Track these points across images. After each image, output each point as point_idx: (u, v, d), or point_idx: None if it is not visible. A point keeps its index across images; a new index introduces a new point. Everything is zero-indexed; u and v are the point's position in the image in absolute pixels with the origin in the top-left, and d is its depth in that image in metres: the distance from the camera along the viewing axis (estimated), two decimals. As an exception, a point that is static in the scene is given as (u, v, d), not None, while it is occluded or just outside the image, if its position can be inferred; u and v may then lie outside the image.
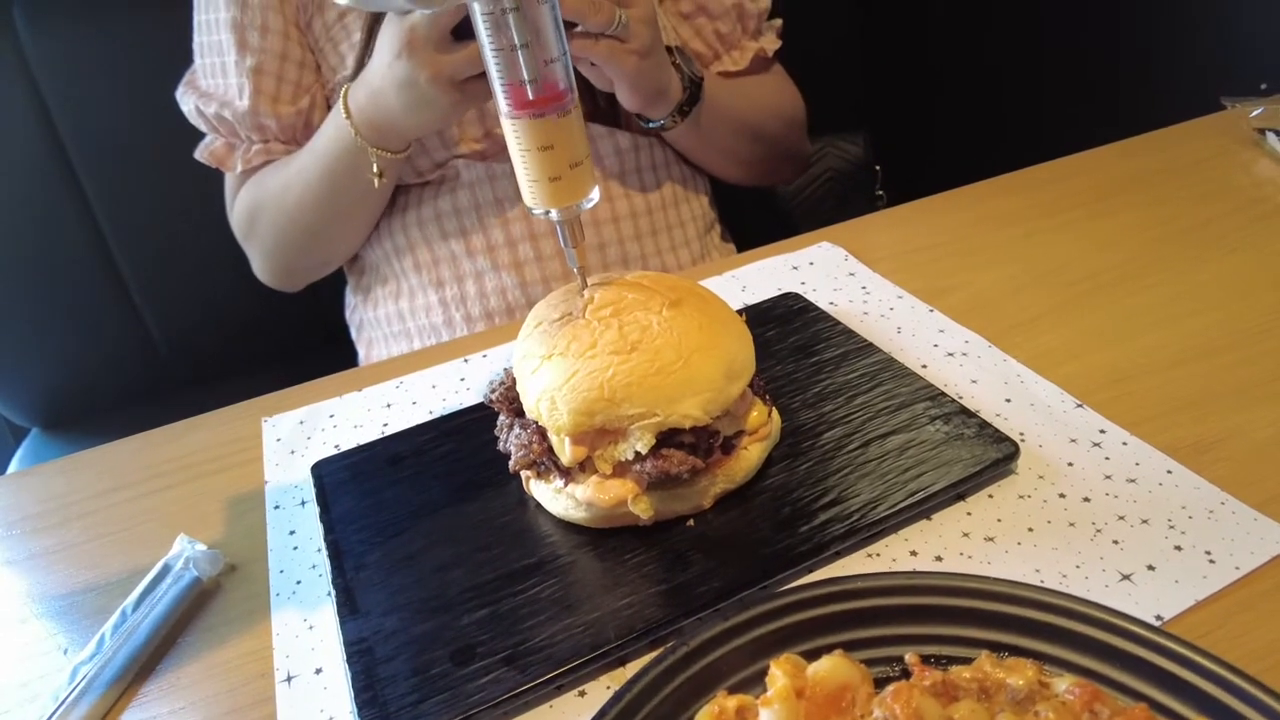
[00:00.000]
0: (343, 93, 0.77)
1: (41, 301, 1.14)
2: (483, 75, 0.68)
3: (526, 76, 0.44)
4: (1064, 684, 0.37)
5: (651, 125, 0.83)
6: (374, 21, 0.80)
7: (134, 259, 1.14)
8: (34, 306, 1.14)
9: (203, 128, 0.90)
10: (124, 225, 1.13)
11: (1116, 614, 0.38)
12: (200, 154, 0.90)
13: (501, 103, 0.45)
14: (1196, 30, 1.20)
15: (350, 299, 1.02)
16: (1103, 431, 0.55)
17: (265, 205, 0.90)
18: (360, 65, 0.81)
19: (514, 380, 0.52)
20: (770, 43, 0.97)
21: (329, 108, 0.89)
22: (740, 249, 0.98)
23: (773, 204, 1.40)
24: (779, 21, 0.99)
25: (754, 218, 1.17)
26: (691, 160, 0.97)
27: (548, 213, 0.48)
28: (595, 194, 0.48)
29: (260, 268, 0.98)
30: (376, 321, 0.95)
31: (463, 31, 0.66)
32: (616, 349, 0.47)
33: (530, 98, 0.44)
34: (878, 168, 1.49)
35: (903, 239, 0.81)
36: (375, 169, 0.78)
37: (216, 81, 0.88)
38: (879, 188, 1.49)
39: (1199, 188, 0.83)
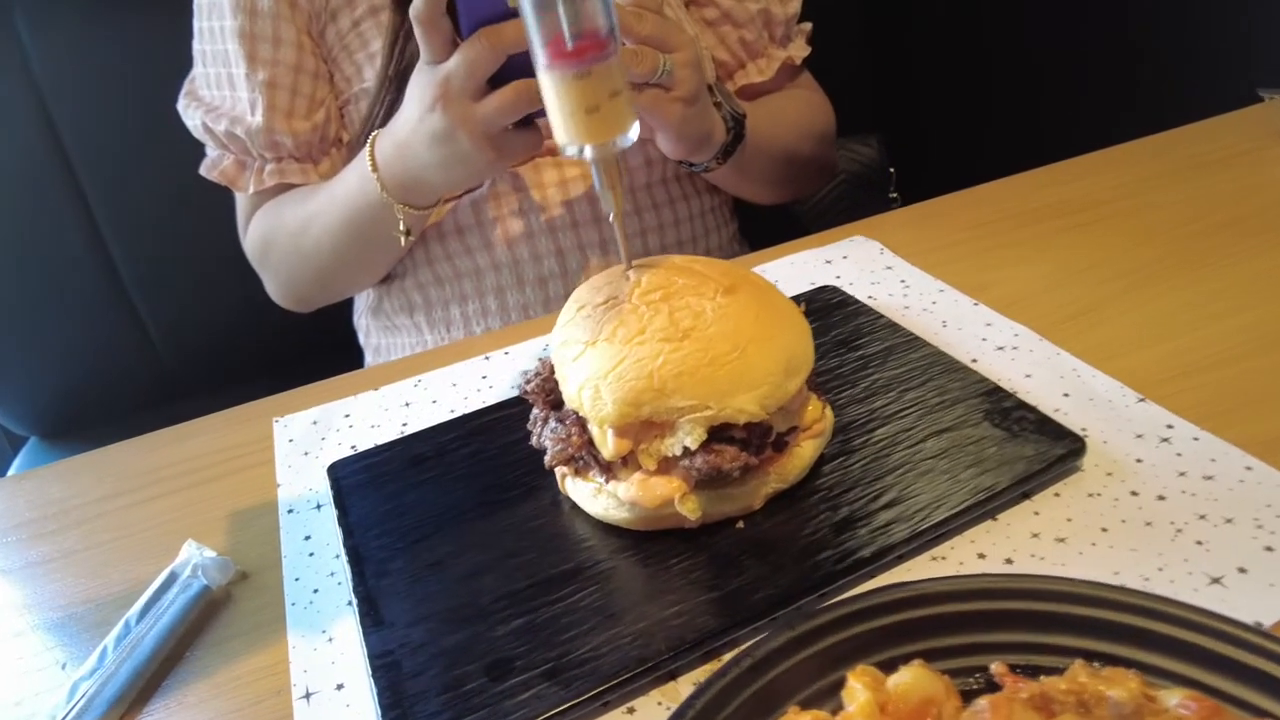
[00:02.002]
0: (369, 142, 0.72)
1: (41, 306, 1.11)
2: (518, 127, 0.65)
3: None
4: (1174, 698, 0.33)
5: (694, 169, 0.79)
6: (396, 33, 0.76)
7: (135, 264, 1.12)
8: (34, 312, 1.11)
9: (210, 144, 0.85)
10: (125, 230, 1.10)
11: (1228, 620, 0.34)
12: (209, 172, 0.85)
13: (538, 52, 0.41)
14: (1230, 22, 1.18)
15: (359, 304, 0.98)
16: (1170, 426, 0.52)
17: (280, 240, 0.86)
18: (383, 80, 0.77)
19: (551, 370, 0.49)
20: (799, 50, 0.93)
21: (344, 120, 0.85)
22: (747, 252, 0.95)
23: (785, 207, 1.37)
24: (809, 26, 0.95)
25: (766, 222, 1.14)
26: (724, 190, 0.93)
27: (581, 150, 0.43)
28: (634, 131, 0.44)
29: (274, 293, 0.94)
30: (394, 329, 0.92)
31: (498, 81, 0.62)
32: (667, 336, 0.43)
33: (569, 47, 0.40)
34: (891, 170, 1.47)
35: (932, 235, 0.78)
36: (401, 227, 0.74)
37: (223, 94, 0.83)
38: (893, 190, 1.47)
39: (1240, 180, 0.80)
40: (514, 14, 0.58)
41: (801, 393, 0.47)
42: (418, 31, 0.62)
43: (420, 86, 0.65)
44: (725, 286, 0.45)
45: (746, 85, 0.91)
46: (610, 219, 0.47)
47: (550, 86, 0.42)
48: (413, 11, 0.60)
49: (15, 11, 1.01)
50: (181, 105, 0.85)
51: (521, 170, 0.82)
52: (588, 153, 0.43)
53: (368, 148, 0.72)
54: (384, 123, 0.72)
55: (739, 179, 0.89)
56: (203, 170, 0.85)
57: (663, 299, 0.45)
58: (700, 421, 0.43)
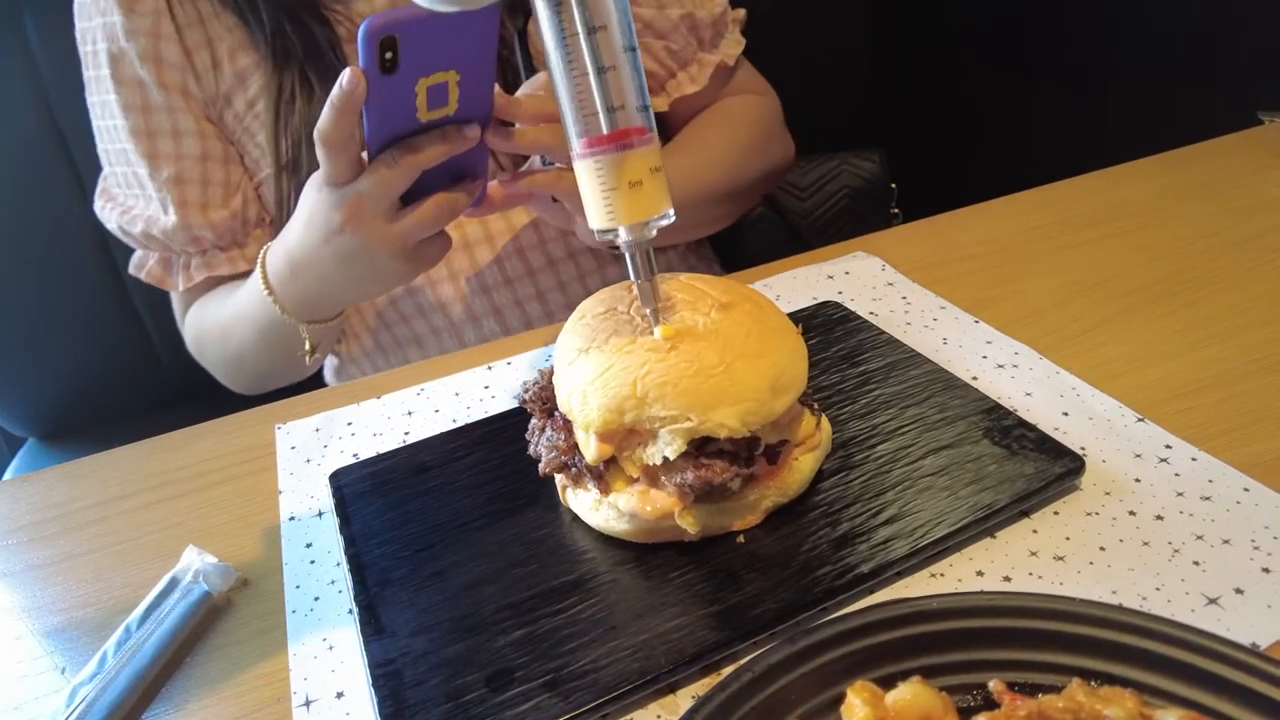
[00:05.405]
0: (260, 261, 0.68)
1: (44, 308, 1.11)
2: (434, 238, 0.60)
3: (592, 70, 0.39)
4: (1171, 717, 0.33)
5: (616, 252, 0.75)
6: (278, 110, 0.72)
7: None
8: (36, 313, 1.11)
9: (132, 245, 0.81)
10: (128, 232, 1.10)
11: (1225, 641, 0.35)
12: (137, 272, 0.82)
13: (574, 142, 0.41)
14: (1230, 45, 1.19)
15: (327, 364, 0.96)
16: (1169, 447, 0.53)
17: (209, 345, 0.83)
18: (277, 171, 0.73)
19: (550, 379, 0.49)
20: (732, 48, 0.87)
21: (261, 200, 0.81)
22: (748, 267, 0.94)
23: (786, 222, 1.38)
24: (742, 13, 0.88)
25: (765, 237, 1.15)
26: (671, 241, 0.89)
27: (614, 235, 0.42)
28: (671, 211, 0.42)
29: (222, 381, 0.90)
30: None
31: (408, 196, 0.58)
32: (655, 346, 0.44)
33: (605, 131, 0.40)
34: (893, 185, 1.47)
35: (936, 251, 0.78)
36: (307, 346, 0.70)
37: (133, 193, 0.79)
38: (894, 205, 1.47)
39: (1243, 201, 0.80)
40: (426, 128, 0.54)
41: (791, 408, 0.47)
42: (321, 154, 0.55)
43: (323, 206, 0.59)
44: (722, 303, 0.46)
45: (680, 98, 0.86)
46: (649, 313, 0.45)
47: (588, 170, 0.41)
48: (318, 134, 0.54)
49: (25, 16, 1.02)
50: (98, 206, 0.81)
51: (464, 224, 0.78)
52: (623, 235, 0.42)
53: (259, 267, 0.68)
54: (297, 202, 0.65)
55: (677, 233, 0.85)
56: (131, 270, 0.82)
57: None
58: (680, 433, 0.43)
